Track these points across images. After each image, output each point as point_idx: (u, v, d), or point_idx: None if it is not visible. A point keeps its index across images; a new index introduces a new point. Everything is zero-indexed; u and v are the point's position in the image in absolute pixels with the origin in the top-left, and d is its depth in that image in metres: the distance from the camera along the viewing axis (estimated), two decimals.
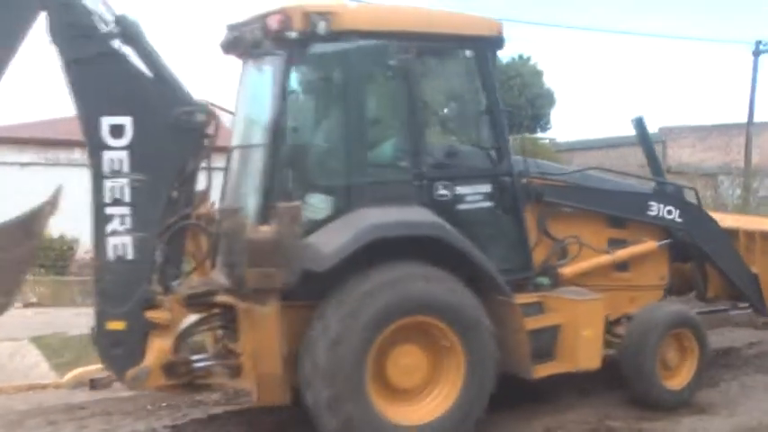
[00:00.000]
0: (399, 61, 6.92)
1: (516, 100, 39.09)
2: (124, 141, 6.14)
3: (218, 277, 6.70)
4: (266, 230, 6.16)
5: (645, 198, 8.53)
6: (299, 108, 7.01)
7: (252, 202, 6.87)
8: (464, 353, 6.62)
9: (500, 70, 39.35)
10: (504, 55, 41.52)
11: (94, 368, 9.89)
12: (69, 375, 9.80)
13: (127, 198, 6.17)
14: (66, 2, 5.93)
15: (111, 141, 6.12)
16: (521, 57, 41.77)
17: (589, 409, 7.83)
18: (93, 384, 9.41)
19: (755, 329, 13.21)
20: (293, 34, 6.56)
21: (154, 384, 6.46)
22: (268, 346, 6.21)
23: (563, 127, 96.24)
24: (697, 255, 8.94)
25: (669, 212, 8.45)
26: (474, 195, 7.26)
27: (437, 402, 6.66)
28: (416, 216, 6.76)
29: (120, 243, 6.17)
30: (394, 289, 6.37)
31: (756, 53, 27.47)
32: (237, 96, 7.71)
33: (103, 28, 6.11)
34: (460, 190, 7.15)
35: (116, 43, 6.20)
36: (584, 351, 7.38)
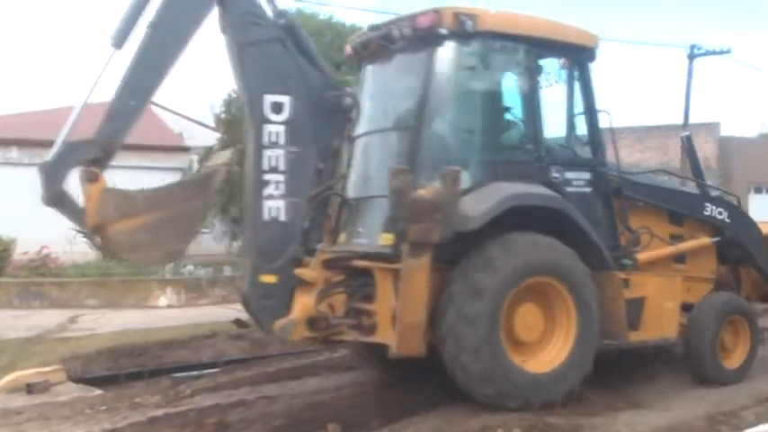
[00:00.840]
0: (526, 60, 8.16)
1: None
2: (283, 117, 7.31)
3: (352, 245, 7.88)
4: (428, 190, 7.10)
5: (701, 199, 9.72)
6: (442, 94, 7.96)
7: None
8: (576, 312, 7.70)
9: None
10: None
11: (31, 372, 9.73)
12: (5, 380, 9.62)
13: (282, 167, 7.30)
14: None
15: (271, 116, 7.28)
16: None
17: None
18: (30, 389, 9.26)
19: None
20: (444, 31, 7.70)
21: (298, 336, 7.48)
22: (416, 296, 7.07)
23: None
24: (736, 256, 9.97)
25: (720, 213, 9.63)
26: (578, 180, 8.40)
27: (553, 355, 7.70)
28: (544, 191, 7.90)
29: (275, 206, 7.28)
30: (530, 250, 7.47)
31: (691, 57, 27.99)
32: (365, 91, 8.64)
33: (272, 18, 7.38)
34: (568, 175, 8.28)
35: (281, 32, 7.40)
36: (667, 321, 8.70)
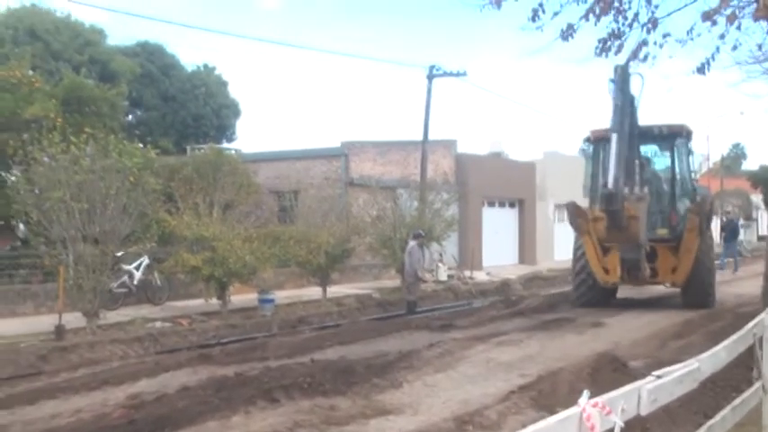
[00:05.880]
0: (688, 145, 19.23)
1: (201, 110, 38.59)
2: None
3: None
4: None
5: None
6: (678, 163, 18.77)
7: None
8: None
9: (185, 79, 38.53)
10: (188, 63, 40.99)
11: None
12: None
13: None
14: None
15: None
16: (206, 66, 41.17)
17: (280, 417, 7.93)
18: None
19: (431, 332, 14.11)
20: (684, 133, 18.32)
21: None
22: (692, 256, 17.34)
23: (249, 138, 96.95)
24: None
25: None
26: None
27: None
28: None
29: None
30: None
31: (430, 77, 29.35)
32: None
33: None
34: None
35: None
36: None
